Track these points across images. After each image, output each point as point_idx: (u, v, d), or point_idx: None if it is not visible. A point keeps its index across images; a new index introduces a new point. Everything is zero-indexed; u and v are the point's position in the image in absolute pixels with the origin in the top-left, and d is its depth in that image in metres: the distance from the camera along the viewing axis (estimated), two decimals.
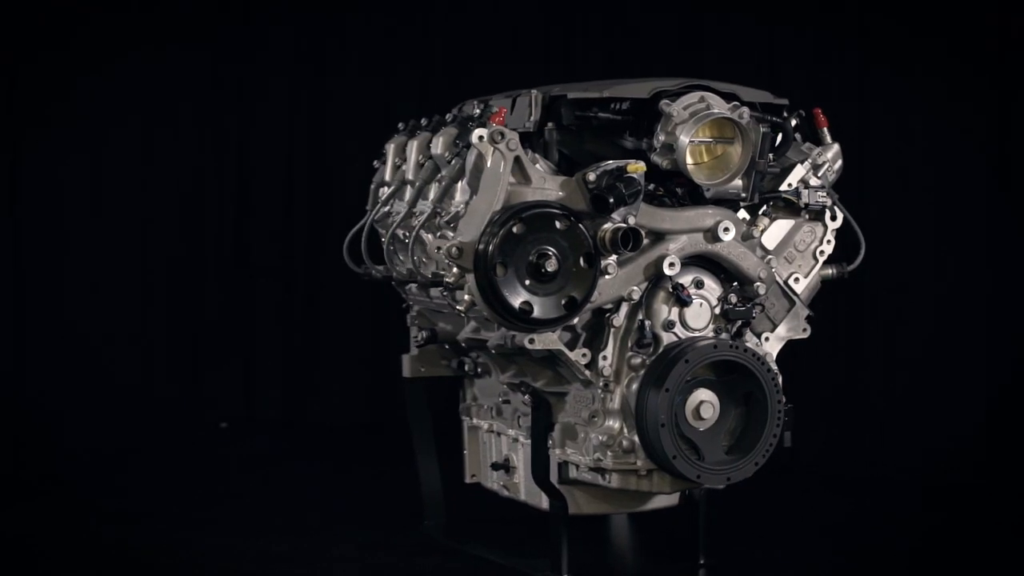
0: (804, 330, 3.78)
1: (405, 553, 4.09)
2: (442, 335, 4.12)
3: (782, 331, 3.75)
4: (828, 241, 3.79)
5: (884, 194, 5.29)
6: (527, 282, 3.44)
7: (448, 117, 3.99)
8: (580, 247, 3.47)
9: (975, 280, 5.25)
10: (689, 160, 3.57)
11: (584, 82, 3.76)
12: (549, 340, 3.54)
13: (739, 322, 3.66)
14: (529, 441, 3.83)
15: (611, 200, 3.44)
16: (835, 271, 3.84)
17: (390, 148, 4.14)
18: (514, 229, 3.42)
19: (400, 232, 4.01)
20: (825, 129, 3.82)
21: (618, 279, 3.55)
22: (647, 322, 3.58)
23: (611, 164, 3.50)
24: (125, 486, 5.07)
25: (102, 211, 6.19)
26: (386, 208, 4.12)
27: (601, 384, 3.59)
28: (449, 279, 3.50)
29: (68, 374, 6.04)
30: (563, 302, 3.47)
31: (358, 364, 6.34)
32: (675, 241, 3.60)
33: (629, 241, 3.47)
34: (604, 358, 3.59)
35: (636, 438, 3.57)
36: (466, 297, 3.51)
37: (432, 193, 3.90)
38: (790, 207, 3.76)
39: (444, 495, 4.32)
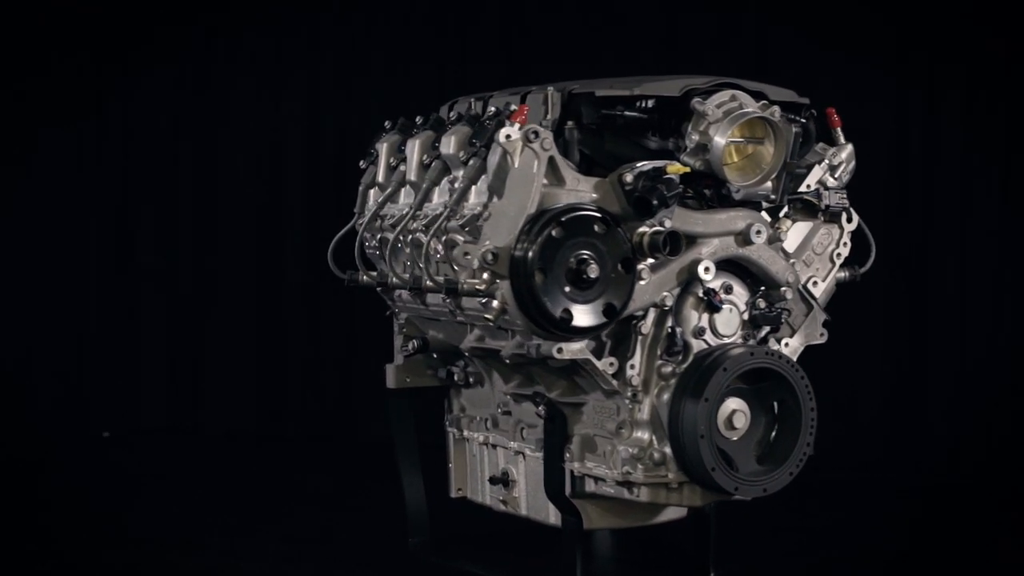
0: (821, 335, 3.70)
1: (402, 574, 3.92)
2: (433, 344, 3.94)
3: (800, 336, 3.67)
4: (844, 244, 3.73)
5: (875, 195, 5.27)
6: (567, 289, 3.29)
7: (453, 116, 3.77)
8: (619, 252, 3.33)
9: (973, 281, 5.25)
10: None
11: (599, 79, 3.61)
12: (577, 349, 3.38)
13: (767, 328, 3.56)
14: (538, 454, 3.68)
15: (655, 202, 3.31)
16: (848, 274, 3.77)
17: (383, 148, 3.92)
18: (553, 233, 3.26)
19: (391, 236, 3.81)
20: (839, 129, 3.74)
21: (651, 285, 3.42)
22: (678, 329, 3.45)
23: (647, 165, 3.37)
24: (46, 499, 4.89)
25: None
26: (373, 211, 3.91)
27: (629, 394, 3.45)
28: (480, 286, 3.32)
29: None
30: (602, 309, 3.32)
31: (247, 371, 6.18)
32: (707, 245, 3.48)
33: (669, 245, 3.34)
34: (632, 367, 3.44)
35: (667, 450, 3.44)
36: (495, 304, 3.34)
37: (436, 195, 3.70)
38: (807, 209, 3.68)
39: (429, 511, 4.13)
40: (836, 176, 3.69)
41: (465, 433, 4.00)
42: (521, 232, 3.28)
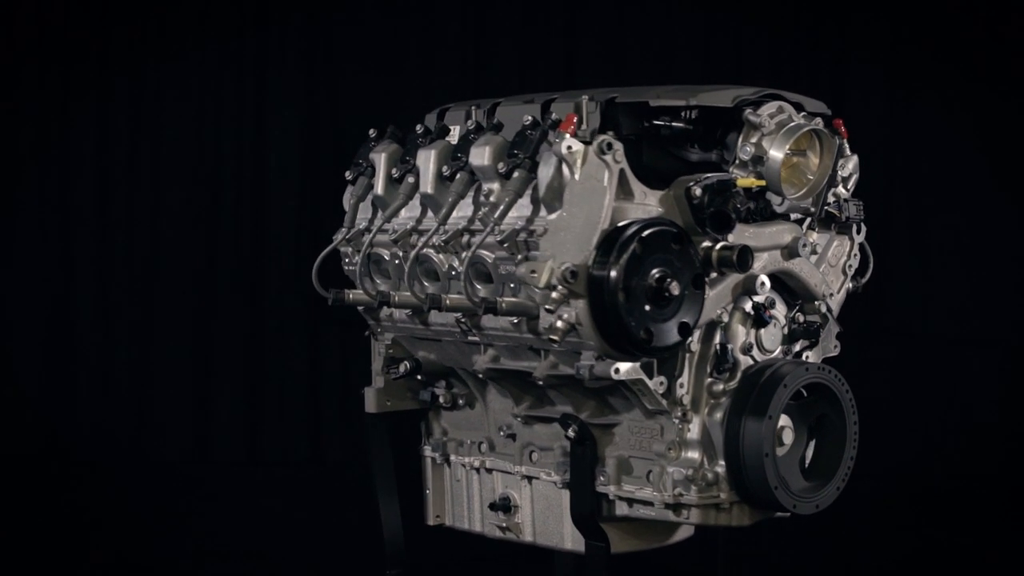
0: (835, 347, 3.69)
1: None
2: (425, 365, 3.72)
3: (818, 350, 3.65)
4: (855, 255, 3.72)
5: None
6: (647, 308, 3.15)
7: (470, 125, 3.52)
8: (691, 268, 3.21)
9: (973, 283, 5.30)
10: None
11: (632, 87, 3.47)
12: (632, 369, 3.25)
13: (804, 342, 3.53)
14: (555, 478, 3.53)
15: (733, 217, 3.21)
16: (853, 285, 3.77)
17: (380, 158, 3.64)
18: (635, 250, 3.12)
19: (388, 252, 3.56)
20: (845, 140, 3.72)
21: (710, 301, 3.32)
22: (729, 346, 3.37)
23: (713, 177, 3.27)
24: None
25: None
26: (363, 225, 3.65)
27: (679, 414, 3.34)
28: (551, 306, 3.14)
29: None
30: (677, 327, 3.20)
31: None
32: (758, 259, 3.41)
33: (740, 260, 3.26)
34: (681, 386, 3.34)
35: (719, 469, 3.35)
36: (559, 324, 3.16)
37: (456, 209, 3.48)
38: (823, 221, 3.66)
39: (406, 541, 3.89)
40: (848, 187, 3.68)
41: (452, 458, 3.80)
42: (598, 249, 3.12)
